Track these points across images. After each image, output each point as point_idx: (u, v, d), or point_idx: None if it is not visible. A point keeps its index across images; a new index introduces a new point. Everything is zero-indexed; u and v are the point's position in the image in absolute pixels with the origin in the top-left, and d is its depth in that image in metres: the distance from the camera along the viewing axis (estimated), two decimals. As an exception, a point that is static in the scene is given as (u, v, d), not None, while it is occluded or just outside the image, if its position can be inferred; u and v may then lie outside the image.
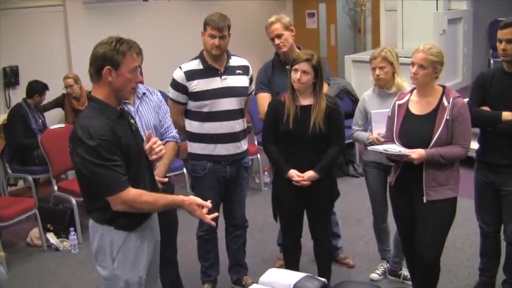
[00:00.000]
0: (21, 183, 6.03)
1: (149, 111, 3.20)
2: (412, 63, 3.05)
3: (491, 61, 7.69)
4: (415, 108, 3.11)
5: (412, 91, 3.18)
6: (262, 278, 2.57)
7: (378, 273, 3.96)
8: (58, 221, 4.93)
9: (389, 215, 3.61)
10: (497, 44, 3.20)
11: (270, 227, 4.50)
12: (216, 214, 2.53)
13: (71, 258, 4.64)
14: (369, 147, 3.39)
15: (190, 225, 3.73)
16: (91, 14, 6.65)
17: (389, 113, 3.21)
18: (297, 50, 3.72)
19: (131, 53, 2.38)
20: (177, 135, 3.35)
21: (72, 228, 4.78)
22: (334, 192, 3.53)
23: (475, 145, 3.40)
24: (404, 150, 2.99)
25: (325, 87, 3.50)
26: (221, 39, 3.40)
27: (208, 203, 2.48)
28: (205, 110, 3.48)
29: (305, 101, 3.34)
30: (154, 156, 2.61)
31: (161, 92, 3.60)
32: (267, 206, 3.83)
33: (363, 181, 3.99)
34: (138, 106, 3.16)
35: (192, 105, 3.51)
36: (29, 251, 4.78)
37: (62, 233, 4.91)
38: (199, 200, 2.47)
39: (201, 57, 3.52)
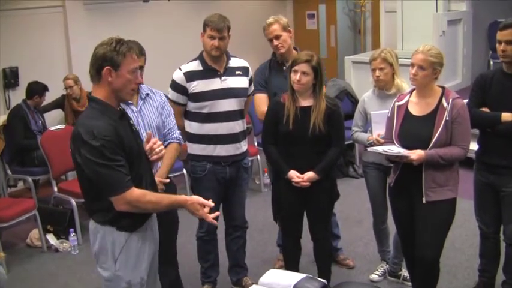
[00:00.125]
0: (21, 184, 6.04)
1: (152, 112, 3.19)
2: (412, 65, 3.05)
3: (491, 62, 7.69)
4: (415, 109, 3.11)
5: (411, 92, 3.18)
6: (262, 279, 2.57)
7: (377, 274, 3.96)
8: (58, 222, 4.93)
9: (389, 216, 3.61)
10: (497, 45, 3.20)
11: (270, 228, 4.50)
12: (217, 213, 2.55)
13: (70, 259, 4.64)
14: (369, 148, 3.40)
15: (190, 226, 3.74)
16: (91, 15, 6.66)
17: (389, 114, 3.21)
18: (294, 51, 3.73)
19: (131, 54, 2.38)
20: (180, 137, 3.35)
21: (72, 230, 4.79)
22: (334, 193, 3.53)
23: (474, 146, 3.40)
24: (403, 151, 3.00)
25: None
26: (221, 40, 3.41)
27: (211, 202, 2.50)
28: (204, 111, 3.48)
29: (305, 102, 3.35)
30: (155, 157, 2.63)
31: (161, 93, 3.60)
32: (266, 207, 3.84)
33: (362, 182, 3.99)
34: (141, 107, 3.16)
35: (192, 106, 3.51)
36: (28, 252, 4.78)
37: (61, 234, 4.91)
38: (201, 200, 2.49)
39: (200, 58, 3.52)
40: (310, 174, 3.34)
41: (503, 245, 3.49)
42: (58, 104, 6.09)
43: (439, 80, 3.12)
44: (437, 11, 7.26)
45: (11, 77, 6.02)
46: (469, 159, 3.33)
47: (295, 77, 3.28)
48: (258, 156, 5.84)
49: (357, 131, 3.70)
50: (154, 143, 2.63)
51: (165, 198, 2.51)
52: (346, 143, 3.84)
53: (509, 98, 3.21)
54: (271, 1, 8.94)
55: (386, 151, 3.07)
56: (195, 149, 3.58)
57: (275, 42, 3.74)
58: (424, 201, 3.05)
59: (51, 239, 4.84)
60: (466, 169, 3.56)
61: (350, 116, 4.11)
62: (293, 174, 3.35)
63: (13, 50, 5.95)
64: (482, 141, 3.41)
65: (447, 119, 2.99)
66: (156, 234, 2.68)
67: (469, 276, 3.89)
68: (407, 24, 7.43)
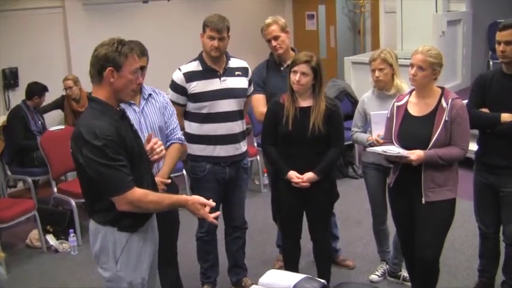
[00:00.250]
0: (20, 184, 6.03)
1: (154, 112, 3.18)
2: (411, 65, 3.05)
3: (491, 63, 7.70)
4: (414, 110, 3.11)
5: (411, 92, 3.18)
6: (262, 280, 2.57)
7: (377, 275, 3.97)
8: (57, 223, 4.93)
9: (389, 217, 3.61)
10: (496, 45, 3.20)
11: (270, 228, 4.50)
12: (218, 213, 2.56)
13: (70, 259, 4.63)
14: (368, 149, 3.40)
15: (190, 227, 3.74)
16: (90, 15, 6.65)
17: (388, 115, 3.22)
18: (292, 52, 3.73)
19: (133, 54, 2.38)
20: (183, 137, 3.34)
21: (71, 230, 4.79)
22: (333, 194, 3.53)
23: (474, 147, 3.40)
24: (403, 152, 3.00)
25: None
26: (220, 41, 3.41)
27: (212, 202, 2.50)
28: (204, 111, 3.48)
29: (304, 103, 3.35)
30: (155, 157, 2.64)
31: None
32: (266, 208, 3.84)
33: (362, 182, 3.99)
34: (143, 107, 3.15)
35: (191, 106, 3.51)
36: (28, 252, 4.78)
37: (61, 234, 4.91)
38: (202, 199, 2.50)
39: (200, 58, 3.52)
40: (309, 175, 3.34)
41: (502, 245, 3.49)
42: (58, 104, 6.09)
43: (438, 80, 3.12)
44: (436, 11, 7.27)
45: (11, 78, 6.02)
46: (469, 159, 3.34)
47: (294, 77, 3.28)
48: (258, 157, 5.84)
49: (356, 132, 3.71)
50: (155, 143, 2.64)
51: (167, 198, 2.52)
52: (345, 143, 3.84)
53: (509, 98, 3.21)
54: (271, 1, 8.95)
55: (385, 151, 3.07)
56: (194, 149, 3.58)
57: (273, 43, 3.74)
58: (423, 201, 3.05)
59: (51, 239, 4.84)
60: (466, 169, 3.56)
61: (350, 117, 4.11)
62: (293, 174, 3.35)
63: (13, 51, 5.95)
64: (481, 141, 3.41)
65: (446, 119, 2.99)
66: (156, 234, 2.68)
67: (468, 276, 3.89)
68: (406, 25, 7.44)
